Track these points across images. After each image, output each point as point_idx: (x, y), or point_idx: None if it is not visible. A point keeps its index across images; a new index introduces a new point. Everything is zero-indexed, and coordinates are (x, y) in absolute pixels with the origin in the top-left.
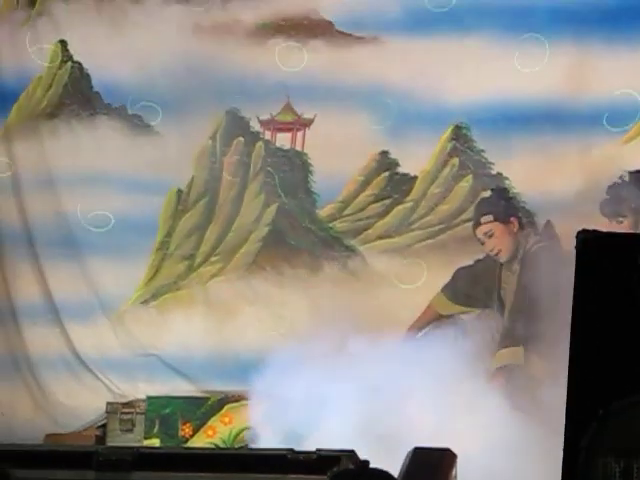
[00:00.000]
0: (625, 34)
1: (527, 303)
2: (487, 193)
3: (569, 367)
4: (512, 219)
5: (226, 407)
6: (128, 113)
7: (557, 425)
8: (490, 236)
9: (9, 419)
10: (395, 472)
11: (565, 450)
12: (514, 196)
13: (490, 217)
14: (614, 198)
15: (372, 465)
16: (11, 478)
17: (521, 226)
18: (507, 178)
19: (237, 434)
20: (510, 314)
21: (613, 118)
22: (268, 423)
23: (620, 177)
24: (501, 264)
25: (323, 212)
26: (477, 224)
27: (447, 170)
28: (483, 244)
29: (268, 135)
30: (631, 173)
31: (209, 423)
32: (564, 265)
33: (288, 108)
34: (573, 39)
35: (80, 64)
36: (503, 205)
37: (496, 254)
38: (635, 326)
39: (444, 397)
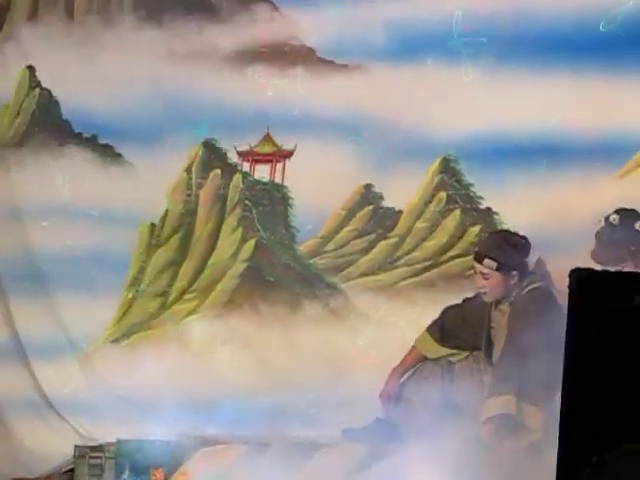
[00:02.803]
0: (626, 67)
1: (519, 346)
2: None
3: (561, 414)
4: (514, 273)
5: (200, 451)
6: (99, 142)
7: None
8: (486, 278)
9: None
10: None
11: None
12: (520, 245)
13: (493, 264)
14: (607, 244)
15: None
16: None
17: (521, 278)
18: (497, 213)
19: None
20: (500, 358)
21: (610, 153)
22: (243, 469)
23: (607, 219)
24: (492, 304)
25: (303, 248)
26: (480, 259)
27: (434, 204)
28: (475, 274)
29: (246, 167)
30: (620, 212)
31: (182, 468)
32: (558, 305)
33: (267, 139)
34: (572, 71)
35: (49, 91)
36: (509, 254)
37: (483, 293)
38: (633, 372)
39: (427, 451)
